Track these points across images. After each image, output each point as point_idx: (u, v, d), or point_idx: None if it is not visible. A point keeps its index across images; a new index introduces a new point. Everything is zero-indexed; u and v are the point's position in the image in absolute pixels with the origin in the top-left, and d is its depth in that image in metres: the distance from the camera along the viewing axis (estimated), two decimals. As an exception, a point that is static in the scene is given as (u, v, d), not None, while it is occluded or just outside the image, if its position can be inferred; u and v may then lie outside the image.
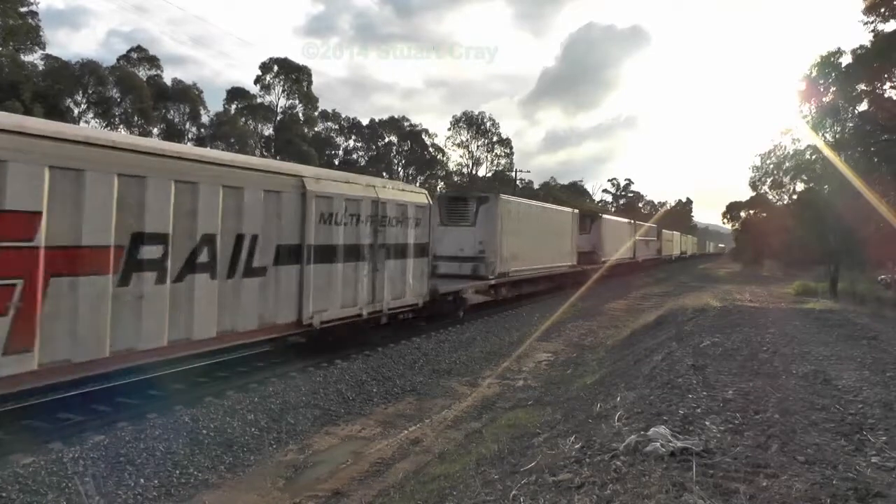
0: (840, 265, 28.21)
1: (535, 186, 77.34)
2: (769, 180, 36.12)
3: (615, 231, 35.67)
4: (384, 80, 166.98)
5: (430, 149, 71.60)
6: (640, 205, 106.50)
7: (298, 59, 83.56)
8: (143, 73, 49.66)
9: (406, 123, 70.83)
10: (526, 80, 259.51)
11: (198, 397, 8.60)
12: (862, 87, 24.97)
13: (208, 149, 14.86)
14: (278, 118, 59.33)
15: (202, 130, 53.29)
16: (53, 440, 6.82)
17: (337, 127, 67.30)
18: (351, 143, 69.02)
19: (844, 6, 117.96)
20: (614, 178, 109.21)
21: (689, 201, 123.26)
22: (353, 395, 9.85)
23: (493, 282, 18.91)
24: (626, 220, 41.61)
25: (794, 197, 35.04)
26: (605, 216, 34.77)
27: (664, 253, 56.37)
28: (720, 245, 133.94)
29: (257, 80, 58.80)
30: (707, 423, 5.32)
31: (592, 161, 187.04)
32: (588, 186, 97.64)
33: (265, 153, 54.87)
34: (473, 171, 74.46)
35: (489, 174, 74.40)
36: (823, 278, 28.46)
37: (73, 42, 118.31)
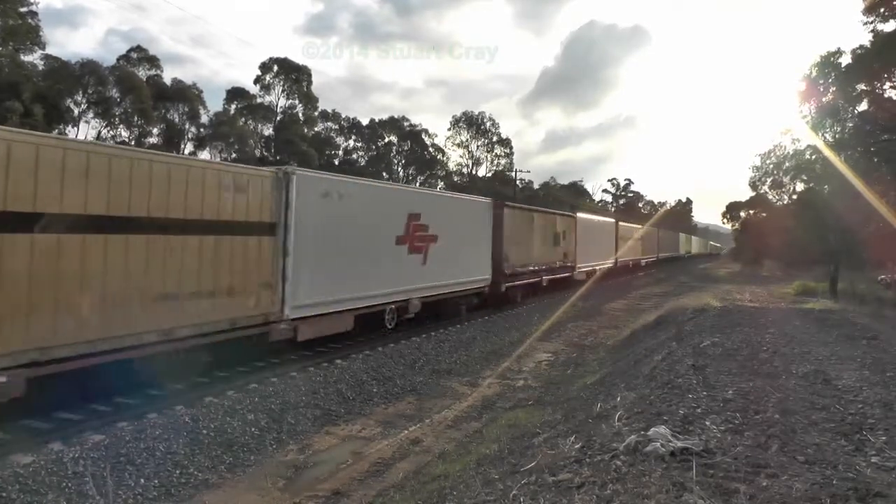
0: (840, 265, 28.18)
1: (535, 186, 77.38)
2: (769, 180, 36.25)
3: None
4: (384, 80, 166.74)
5: (430, 149, 71.56)
6: (640, 205, 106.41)
7: (298, 58, 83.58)
8: (142, 72, 49.69)
9: (406, 123, 70.79)
10: (526, 79, 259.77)
11: (198, 397, 8.60)
12: (862, 87, 25.01)
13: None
14: (278, 118, 59.33)
15: (202, 130, 53.32)
16: (53, 440, 6.82)
17: (337, 127, 67.26)
18: (351, 143, 69.02)
19: (844, 6, 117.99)
20: (614, 178, 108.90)
21: (689, 201, 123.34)
22: (353, 395, 9.85)
23: None
24: None
25: (794, 197, 35.16)
26: None
27: (526, 264, 21.33)
28: (713, 244, 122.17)
29: (257, 80, 58.87)
30: (707, 423, 5.31)
31: (592, 161, 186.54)
32: (588, 186, 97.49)
33: (265, 153, 54.87)
34: (473, 171, 74.50)
35: (489, 174, 74.40)
36: (823, 278, 28.42)
37: (72, 41, 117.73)
